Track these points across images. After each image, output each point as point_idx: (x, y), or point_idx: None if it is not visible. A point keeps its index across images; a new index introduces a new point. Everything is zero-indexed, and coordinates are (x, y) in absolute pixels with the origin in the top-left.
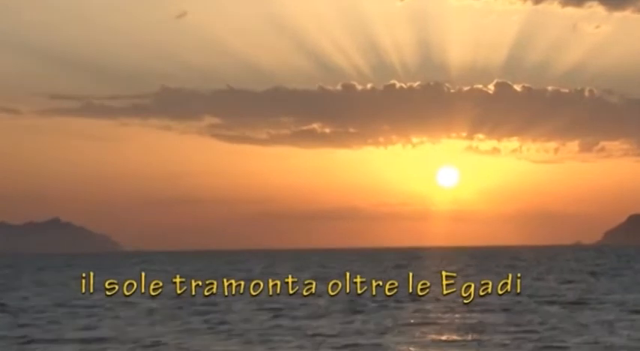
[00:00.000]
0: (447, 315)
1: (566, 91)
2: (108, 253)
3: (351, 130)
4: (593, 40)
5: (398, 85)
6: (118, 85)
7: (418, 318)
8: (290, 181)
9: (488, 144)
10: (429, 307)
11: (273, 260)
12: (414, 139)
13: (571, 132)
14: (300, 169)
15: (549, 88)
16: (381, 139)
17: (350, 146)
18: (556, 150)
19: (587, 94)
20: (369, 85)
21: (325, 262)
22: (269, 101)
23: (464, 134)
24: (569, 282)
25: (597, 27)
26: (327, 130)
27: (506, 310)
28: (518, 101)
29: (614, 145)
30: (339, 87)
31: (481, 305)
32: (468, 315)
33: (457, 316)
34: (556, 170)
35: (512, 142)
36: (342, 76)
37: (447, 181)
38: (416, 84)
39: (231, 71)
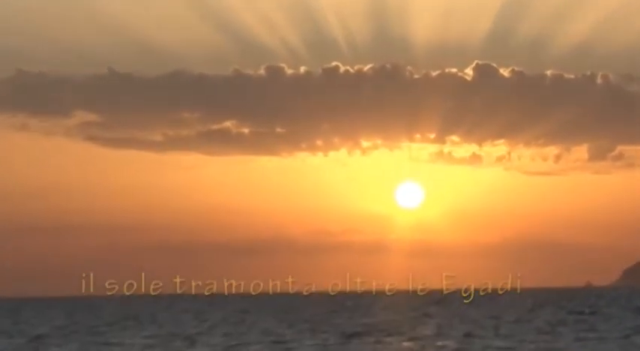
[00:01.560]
0: None
1: (572, 76)
2: None
3: (279, 130)
4: (608, 8)
5: (342, 68)
6: None
7: None
8: (195, 201)
9: (466, 149)
10: None
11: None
12: (365, 143)
13: (578, 133)
14: (207, 184)
15: (548, 72)
16: (320, 143)
17: (277, 152)
18: (557, 157)
19: (599, 80)
20: (302, 69)
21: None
22: (166, 90)
23: (432, 136)
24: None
25: None
26: (246, 131)
27: None
28: (505, 91)
29: (635, 150)
30: (261, 71)
31: None
32: None
33: None
34: (557, 184)
35: (498, 147)
36: (266, 56)
37: (410, 201)
38: (367, 67)
39: (113, 49)
